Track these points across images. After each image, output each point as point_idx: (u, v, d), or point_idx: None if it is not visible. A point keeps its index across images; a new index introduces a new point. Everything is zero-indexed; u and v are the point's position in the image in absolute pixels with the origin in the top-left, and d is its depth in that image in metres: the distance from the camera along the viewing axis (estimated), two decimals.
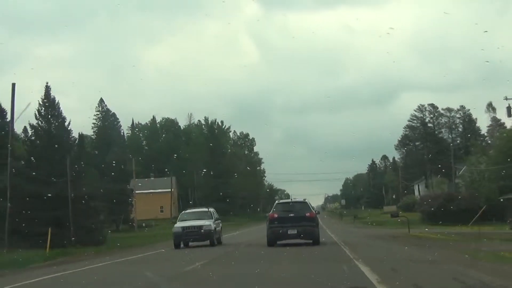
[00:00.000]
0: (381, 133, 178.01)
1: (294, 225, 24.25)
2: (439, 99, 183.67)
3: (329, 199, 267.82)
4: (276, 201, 30.15)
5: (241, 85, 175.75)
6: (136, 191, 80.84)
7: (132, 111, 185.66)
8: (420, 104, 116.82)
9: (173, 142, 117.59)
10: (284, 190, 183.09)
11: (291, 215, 24.64)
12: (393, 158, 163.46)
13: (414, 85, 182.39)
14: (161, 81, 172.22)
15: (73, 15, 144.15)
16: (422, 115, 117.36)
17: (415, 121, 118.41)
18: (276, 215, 24.82)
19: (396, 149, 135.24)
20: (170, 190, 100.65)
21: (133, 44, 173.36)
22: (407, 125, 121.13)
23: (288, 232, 24.35)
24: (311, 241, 24.61)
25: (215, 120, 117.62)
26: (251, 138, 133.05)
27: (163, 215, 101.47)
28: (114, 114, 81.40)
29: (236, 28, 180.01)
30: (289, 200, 29.89)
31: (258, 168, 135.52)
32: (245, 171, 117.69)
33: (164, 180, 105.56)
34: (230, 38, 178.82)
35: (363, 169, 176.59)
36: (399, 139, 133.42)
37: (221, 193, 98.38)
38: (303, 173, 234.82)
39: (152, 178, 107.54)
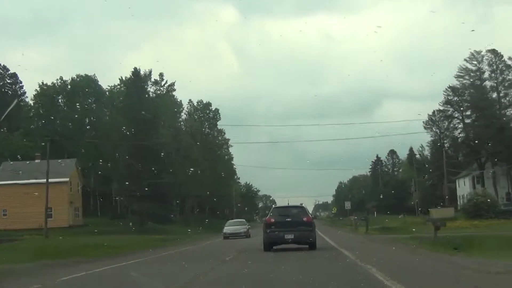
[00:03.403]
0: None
1: (291, 229, 23.41)
2: (424, 108, 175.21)
3: (319, 207, 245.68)
4: (273, 206, 33.58)
5: (221, 93, 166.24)
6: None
7: None
8: (475, 51, 74.76)
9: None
10: (270, 196, 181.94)
11: (288, 219, 23.83)
12: (410, 149, 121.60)
13: (397, 93, 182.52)
14: None
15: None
16: (476, 66, 75.07)
17: (466, 78, 76.12)
18: (272, 220, 24.08)
19: (425, 127, 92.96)
20: (66, 180, 58.16)
21: (109, 51, 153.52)
22: (449, 88, 79.00)
23: (285, 237, 23.51)
24: (307, 246, 23.62)
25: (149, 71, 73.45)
26: (213, 109, 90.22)
27: (54, 222, 58.95)
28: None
29: (214, 36, 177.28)
30: (286, 205, 30.68)
31: (225, 156, 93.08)
32: (201, 158, 75.32)
33: (59, 165, 62.38)
34: (209, 45, 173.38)
35: (347, 176, 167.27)
36: (430, 114, 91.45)
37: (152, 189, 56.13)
38: (289, 180, 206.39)
39: (38, 161, 64.01)
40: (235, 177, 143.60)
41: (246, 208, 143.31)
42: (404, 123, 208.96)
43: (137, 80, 62.40)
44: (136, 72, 62.39)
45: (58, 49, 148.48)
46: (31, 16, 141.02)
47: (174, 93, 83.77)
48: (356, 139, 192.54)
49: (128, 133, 60.95)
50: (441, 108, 79.64)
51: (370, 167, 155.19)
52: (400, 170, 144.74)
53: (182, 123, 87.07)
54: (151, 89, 71.20)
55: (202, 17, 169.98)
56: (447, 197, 69.38)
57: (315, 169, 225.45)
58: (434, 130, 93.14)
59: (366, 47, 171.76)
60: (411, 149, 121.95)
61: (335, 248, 23.78)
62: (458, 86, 77.32)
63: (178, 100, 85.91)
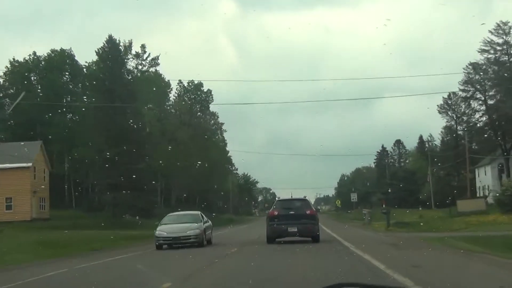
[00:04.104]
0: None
1: (294, 222, 23.17)
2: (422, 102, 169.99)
3: (321, 200, 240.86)
4: (276, 199, 31.67)
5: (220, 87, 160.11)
6: None
7: None
8: (501, 21, 65.44)
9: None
10: (270, 189, 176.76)
11: (291, 212, 23.68)
12: (420, 138, 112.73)
13: (396, 86, 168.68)
14: None
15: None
16: (503, 39, 65.78)
17: (491, 53, 66.80)
18: (276, 213, 23.93)
19: (440, 112, 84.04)
20: (29, 165, 49.82)
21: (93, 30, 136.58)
22: (469, 65, 69.78)
23: (288, 230, 23.27)
24: (310, 238, 23.38)
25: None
26: (205, 90, 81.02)
27: (14, 215, 50.72)
28: None
29: (213, 29, 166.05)
30: (289, 198, 31.03)
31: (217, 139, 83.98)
32: (190, 143, 66.50)
33: (21, 148, 53.59)
34: (207, 38, 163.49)
35: (349, 168, 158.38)
36: (445, 96, 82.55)
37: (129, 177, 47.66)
38: (288, 173, 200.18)
39: None
40: (232, 168, 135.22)
41: (246, 199, 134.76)
42: (408, 116, 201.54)
43: (112, 49, 53.30)
44: (111, 40, 53.12)
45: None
46: None
47: (159, 70, 74.79)
48: (359, 130, 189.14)
49: (102, 114, 52.13)
50: (461, 87, 70.39)
51: (375, 158, 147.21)
52: (407, 161, 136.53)
53: (170, 106, 78.09)
54: (132, 63, 62.09)
55: (200, 9, 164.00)
56: (472, 188, 60.35)
57: (317, 161, 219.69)
58: (450, 114, 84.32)
59: (368, 40, 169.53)
60: (420, 138, 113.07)
61: (366, 261, 14.69)
62: (481, 62, 68.16)
63: (166, 80, 76.93)
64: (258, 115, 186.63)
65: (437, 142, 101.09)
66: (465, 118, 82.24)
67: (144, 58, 62.18)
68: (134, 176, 52.35)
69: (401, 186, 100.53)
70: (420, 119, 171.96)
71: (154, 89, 71.03)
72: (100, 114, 52.83)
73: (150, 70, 68.29)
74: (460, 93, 73.87)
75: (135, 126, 54.27)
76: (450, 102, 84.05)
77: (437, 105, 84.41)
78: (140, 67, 61.61)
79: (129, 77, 61.00)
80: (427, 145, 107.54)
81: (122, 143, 51.42)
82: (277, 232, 23.24)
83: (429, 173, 77.80)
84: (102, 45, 52.17)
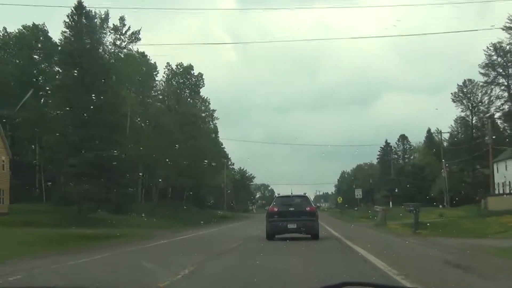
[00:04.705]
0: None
1: (294, 219, 23.14)
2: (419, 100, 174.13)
3: (320, 197, 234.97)
4: (276, 195, 30.50)
5: (219, 83, 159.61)
6: None
7: None
8: None
9: None
10: (268, 186, 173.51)
11: (291, 209, 23.65)
12: (428, 131, 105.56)
13: (396, 85, 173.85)
14: None
15: None
16: None
17: None
18: (276, 209, 23.98)
19: (454, 100, 76.49)
20: None
21: None
22: (491, 46, 62.14)
23: (288, 226, 23.17)
24: (309, 235, 23.28)
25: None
26: (195, 73, 73.16)
27: None
28: None
29: (213, 25, 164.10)
30: (289, 194, 28.53)
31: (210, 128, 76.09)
32: (177, 131, 58.90)
33: None
34: (206, 34, 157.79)
35: (350, 165, 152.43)
36: (460, 84, 75.07)
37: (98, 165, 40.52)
38: (287, 170, 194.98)
39: None
40: (229, 162, 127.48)
41: (239, 196, 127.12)
42: (413, 111, 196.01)
43: (82, 17, 45.31)
44: (80, 6, 45.00)
45: None
46: None
47: (145, 52, 67.02)
48: (360, 125, 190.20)
49: (71, 93, 44.38)
50: (481, 71, 62.74)
51: (378, 153, 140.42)
52: (412, 158, 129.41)
53: (155, 89, 70.18)
54: (109, 38, 53.95)
55: (200, 5, 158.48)
56: (498, 182, 52.82)
57: (316, 157, 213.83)
58: (466, 103, 76.69)
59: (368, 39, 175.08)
60: (429, 131, 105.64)
61: None
62: (504, 43, 60.63)
63: (152, 62, 69.10)
64: (257, 111, 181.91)
65: (446, 135, 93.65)
66: (482, 107, 74.84)
67: (123, 32, 54.27)
68: (106, 165, 44.87)
69: (410, 183, 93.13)
70: (426, 114, 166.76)
71: (139, 70, 63.41)
72: (70, 95, 45.08)
73: (130, 48, 60.41)
74: (477, 80, 66.25)
75: (109, 108, 46.64)
76: (465, 90, 76.56)
77: (451, 93, 76.99)
78: (118, 42, 53.85)
79: (105, 53, 53.33)
80: (437, 138, 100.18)
81: (91, 126, 43.70)
82: (276, 228, 23.17)
83: (444, 167, 70.04)
84: (70, 11, 44.35)
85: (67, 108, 44.02)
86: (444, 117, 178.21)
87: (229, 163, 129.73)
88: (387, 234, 26.22)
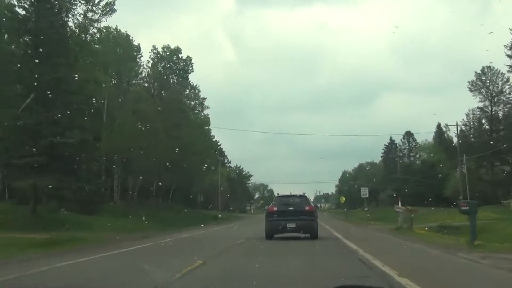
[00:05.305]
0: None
1: (293, 218, 23.28)
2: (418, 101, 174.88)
3: (320, 198, 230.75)
4: (275, 195, 30.28)
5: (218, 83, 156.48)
6: None
7: None
8: None
9: None
10: (267, 185, 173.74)
11: (290, 208, 23.75)
12: (438, 126, 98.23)
13: (394, 86, 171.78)
14: None
15: None
16: None
17: None
18: (275, 208, 24.12)
19: (471, 90, 68.86)
20: None
21: None
22: None
23: (287, 226, 23.28)
24: (308, 235, 23.23)
25: None
26: (184, 57, 65.33)
27: None
28: None
29: (212, 25, 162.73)
30: (289, 194, 28.86)
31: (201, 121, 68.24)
32: (158, 119, 51.27)
33: None
34: (205, 34, 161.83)
35: (351, 165, 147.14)
36: (478, 71, 67.50)
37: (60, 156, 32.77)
38: (286, 170, 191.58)
39: None
40: (225, 160, 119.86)
41: (235, 195, 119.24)
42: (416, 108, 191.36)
43: None
44: None
45: None
46: None
47: (129, 33, 59.26)
48: (362, 124, 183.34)
49: (23, 67, 36.58)
50: (508, 52, 55.03)
51: (382, 151, 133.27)
52: (418, 156, 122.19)
53: (143, 78, 62.41)
54: (79, 9, 46.06)
55: (198, 4, 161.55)
56: None
57: (316, 157, 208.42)
58: (484, 93, 68.90)
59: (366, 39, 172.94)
60: (438, 126, 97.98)
61: None
62: None
63: (136, 44, 61.30)
64: (255, 110, 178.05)
65: (453, 130, 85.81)
66: (502, 97, 67.29)
67: (96, 2, 46.22)
68: (68, 156, 37.19)
69: (420, 181, 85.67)
70: (431, 111, 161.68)
71: (117, 51, 55.70)
72: (23, 69, 37.32)
73: (107, 24, 52.56)
74: (496, 67, 58.60)
75: (72, 88, 38.84)
76: (483, 79, 68.89)
77: (468, 82, 69.30)
78: (90, 14, 46.04)
79: (74, 27, 45.59)
80: (447, 135, 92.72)
81: (48, 108, 35.89)
82: (275, 228, 23.22)
83: (461, 163, 62.38)
84: None
85: (18, 86, 36.18)
86: (451, 113, 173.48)
87: (226, 160, 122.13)
88: (425, 245, 18.26)
